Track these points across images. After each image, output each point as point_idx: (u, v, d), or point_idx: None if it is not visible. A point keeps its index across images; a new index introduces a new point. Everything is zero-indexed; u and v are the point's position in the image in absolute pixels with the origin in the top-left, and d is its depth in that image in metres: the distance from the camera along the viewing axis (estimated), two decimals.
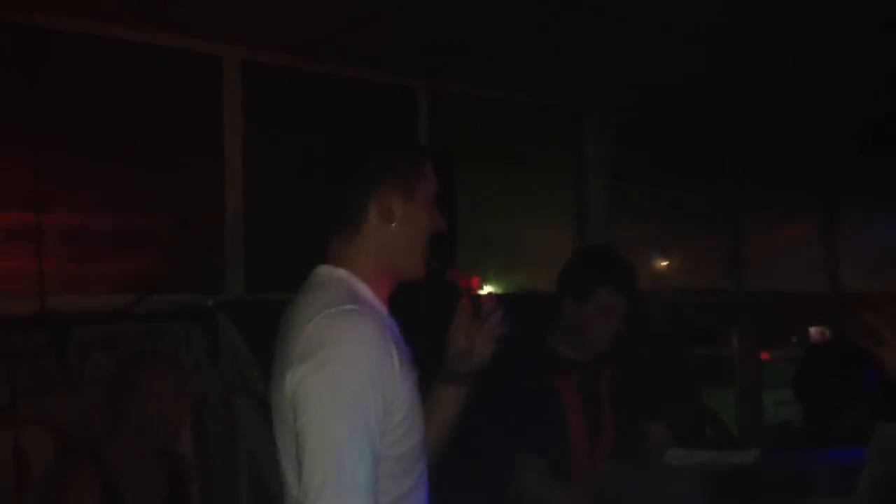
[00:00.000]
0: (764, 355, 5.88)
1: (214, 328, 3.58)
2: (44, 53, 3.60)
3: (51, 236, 3.62)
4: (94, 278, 3.76)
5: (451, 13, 3.76)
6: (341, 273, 1.88)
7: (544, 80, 4.74)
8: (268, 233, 4.10)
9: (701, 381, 5.64)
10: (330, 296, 1.80)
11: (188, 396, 2.92)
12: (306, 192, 4.09)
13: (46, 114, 3.61)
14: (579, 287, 2.94)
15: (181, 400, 2.84)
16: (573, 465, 2.86)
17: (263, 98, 4.15)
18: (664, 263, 5.90)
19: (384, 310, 1.90)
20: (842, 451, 2.81)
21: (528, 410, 2.28)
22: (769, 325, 5.90)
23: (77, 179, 3.74)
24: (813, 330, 6.17)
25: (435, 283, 2.01)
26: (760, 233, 6.08)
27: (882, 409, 3.00)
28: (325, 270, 1.91)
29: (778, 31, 4.10)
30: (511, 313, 2.10)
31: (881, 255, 6.14)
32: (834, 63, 4.55)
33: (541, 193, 5.14)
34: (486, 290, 2.10)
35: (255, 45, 4.06)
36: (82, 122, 3.74)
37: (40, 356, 3.27)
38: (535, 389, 2.71)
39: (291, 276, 4.04)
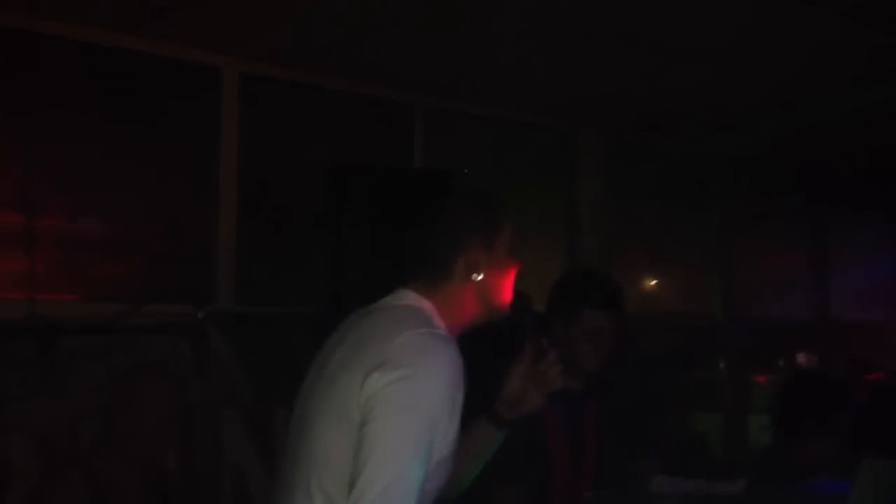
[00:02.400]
0: (760, 378, 5.90)
1: (204, 339, 3.57)
2: (43, 59, 3.60)
3: (43, 242, 3.61)
4: (85, 285, 3.75)
5: (448, 31, 3.78)
6: (426, 303, 1.92)
7: (539, 99, 4.76)
8: (260, 246, 4.09)
9: (688, 404, 5.64)
10: (420, 318, 1.85)
11: (182, 413, 2.89)
12: (307, 209, 4.16)
13: (44, 119, 3.62)
14: (565, 309, 2.92)
15: (176, 417, 2.82)
16: (553, 497, 2.83)
17: (261, 110, 4.16)
18: (655, 286, 5.91)
19: None
20: (826, 483, 2.82)
21: (509, 439, 2.25)
22: (758, 350, 5.91)
23: (71, 186, 3.74)
24: (800, 356, 6.18)
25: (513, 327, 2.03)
26: (751, 259, 6.10)
27: (857, 445, 3.03)
28: (410, 295, 1.93)
29: (774, 59, 4.13)
30: (504, 334, 2.10)
31: (870, 285, 6.17)
32: (829, 91, 4.58)
33: (535, 213, 5.14)
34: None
35: (253, 57, 4.07)
36: (79, 128, 3.74)
37: (28, 362, 3.26)
38: (519, 421, 2.68)
39: (282, 290, 4.09)
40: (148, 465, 2.83)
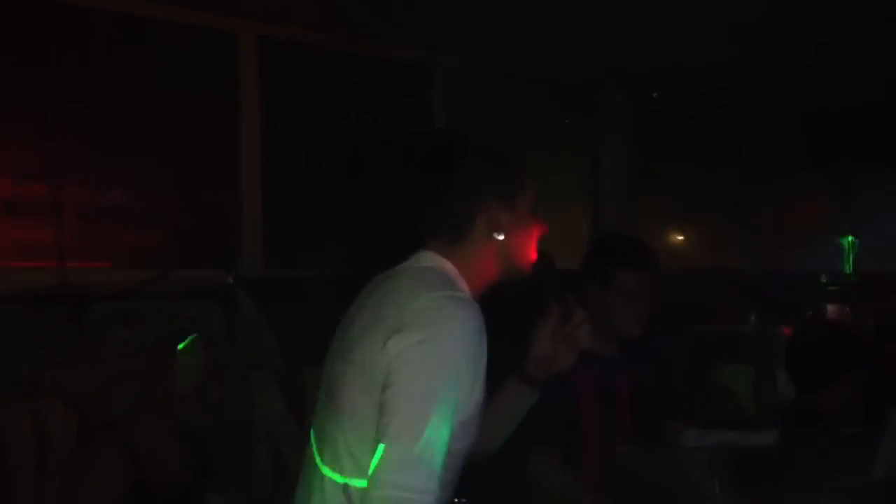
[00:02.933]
0: (787, 330, 5.87)
1: (233, 304, 3.59)
2: (62, 29, 3.61)
3: (70, 211, 3.65)
4: (113, 252, 3.79)
5: None
6: (448, 265, 1.92)
7: (560, 57, 4.71)
8: (285, 209, 4.11)
9: (717, 357, 5.64)
10: (440, 280, 1.85)
11: (216, 377, 2.92)
12: (327, 170, 4.18)
13: (64, 89, 3.64)
14: (599, 273, 2.90)
15: (212, 382, 2.85)
16: (584, 459, 2.84)
17: (279, 74, 4.15)
18: (682, 241, 5.88)
19: None
20: (857, 431, 2.82)
21: (541, 402, 2.26)
22: (787, 303, 5.87)
23: (95, 155, 3.75)
24: (830, 307, 6.14)
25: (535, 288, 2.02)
26: (778, 212, 6.05)
27: (873, 389, 3.02)
28: (431, 257, 1.94)
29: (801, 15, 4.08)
30: (529, 294, 2.10)
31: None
32: (855, 46, 4.53)
33: (557, 172, 5.11)
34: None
35: (270, 21, 4.06)
36: (100, 97, 3.73)
37: (60, 330, 3.30)
38: (551, 381, 2.68)
39: (308, 253, 4.11)
40: (184, 430, 2.86)
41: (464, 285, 1.90)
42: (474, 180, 1.94)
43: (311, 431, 1.94)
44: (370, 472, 1.67)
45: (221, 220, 4.05)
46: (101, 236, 3.79)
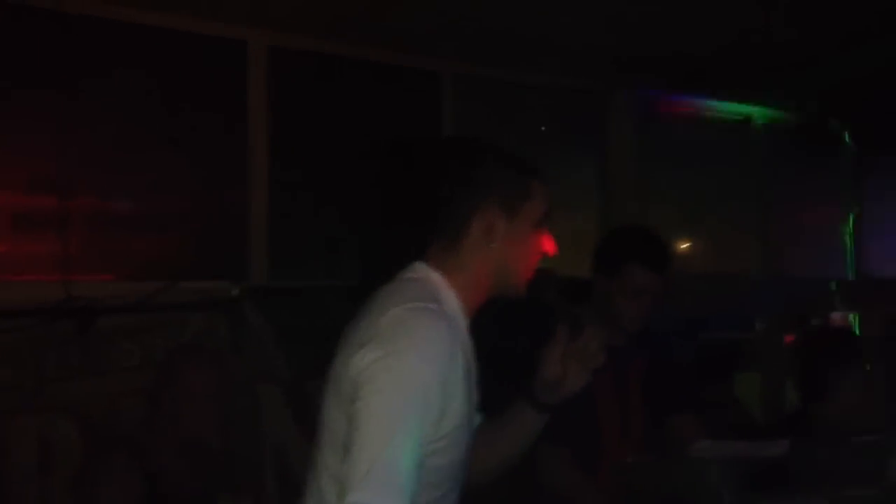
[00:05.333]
0: (790, 338, 5.84)
1: (239, 315, 3.58)
2: (70, 38, 3.60)
3: (75, 223, 3.64)
4: (119, 264, 3.78)
5: None
6: (435, 276, 1.87)
7: (569, 60, 4.69)
8: (292, 220, 4.10)
9: (727, 365, 5.61)
10: (415, 292, 1.79)
11: (228, 393, 2.89)
12: (340, 181, 4.17)
13: (72, 99, 3.62)
14: (609, 264, 2.87)
15: (219, 397, 2.83)
16: (601, 455, 2.82)
17: (289, 83, 4.14)
18: (689, 246, 5.86)
19: (464, 322, 1.87)
20: (872, 439, 2.80)
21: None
22: (794, 310, 5.85)
23: (102, 165, 3.74)
24: (835, 315, 6.11)
25: (538, 306, 1.97)
26: (786, 217, 6.02)
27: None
28: (421, 268, 1.89)
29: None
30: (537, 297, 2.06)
31: None
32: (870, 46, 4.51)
33: (566, 176, 5.10)
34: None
35: (280, 29, 4.05)
36: (108, 107, 3.74)
37: (66, 343, 3.28)
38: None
39: (315, 263, 4.10)
40: (193, 445, 2.84)
41: (452, 298, 1.84)
42: (474, 178, 1.87)
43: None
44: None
45: (228, 230, 4.03)
46: (106, 248, 3.77)
